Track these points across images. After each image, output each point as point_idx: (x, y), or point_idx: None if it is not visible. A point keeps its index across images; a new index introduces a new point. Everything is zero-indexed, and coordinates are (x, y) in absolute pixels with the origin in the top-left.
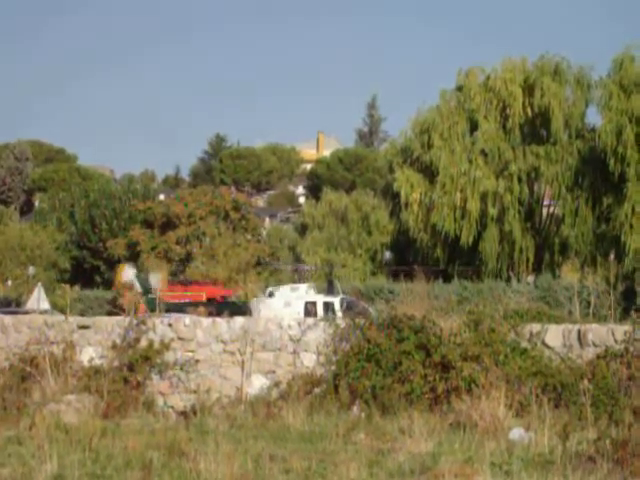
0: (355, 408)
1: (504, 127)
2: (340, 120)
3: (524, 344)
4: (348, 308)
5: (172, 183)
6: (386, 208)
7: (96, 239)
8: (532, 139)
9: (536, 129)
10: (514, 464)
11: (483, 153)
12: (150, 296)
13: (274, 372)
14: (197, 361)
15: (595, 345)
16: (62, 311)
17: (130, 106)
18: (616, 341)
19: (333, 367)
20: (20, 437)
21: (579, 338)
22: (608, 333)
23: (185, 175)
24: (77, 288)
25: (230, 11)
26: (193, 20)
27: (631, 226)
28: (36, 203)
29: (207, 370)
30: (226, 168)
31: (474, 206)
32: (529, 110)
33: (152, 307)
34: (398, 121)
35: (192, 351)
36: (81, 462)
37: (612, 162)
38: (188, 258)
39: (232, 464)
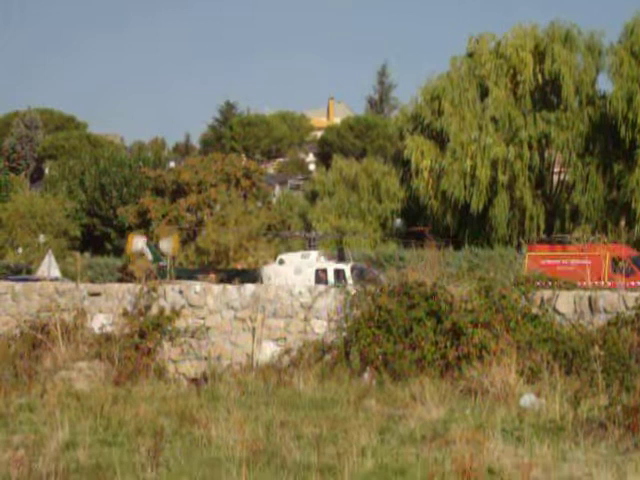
0: (366, 375)
1: (515, 94)
2: (350, 87)
3: (535, 310)
4: (359, 275)
5: (182, 150)
6: (396, 175)
7: (106, 207)
8: (543, 106)
9: (547, 96)
10: (525, 430)
11: (493, 120)
12: (161, 263)
13: (285, 339)
14: (208, 328)
15: (606, 312)
16: (73, 278)
17: (140, 73)
18: (627, 307)
19: (344, 334)
20: (32, 404)
21: (590, 305)
22: (619, 300)
23: (195, 142)
24: (87, 255)
25: None
26: None
27: None
28: (46, 171)
29: (218, 337)
30: (236, 135)
31: (484, 173)
32: (540, 77)
33: (163, 274)
34: (409, 88)
35: (203, 318)
36: (92, 429)
37: (623, 129)
38: (199, 225)
39: (243, 431)
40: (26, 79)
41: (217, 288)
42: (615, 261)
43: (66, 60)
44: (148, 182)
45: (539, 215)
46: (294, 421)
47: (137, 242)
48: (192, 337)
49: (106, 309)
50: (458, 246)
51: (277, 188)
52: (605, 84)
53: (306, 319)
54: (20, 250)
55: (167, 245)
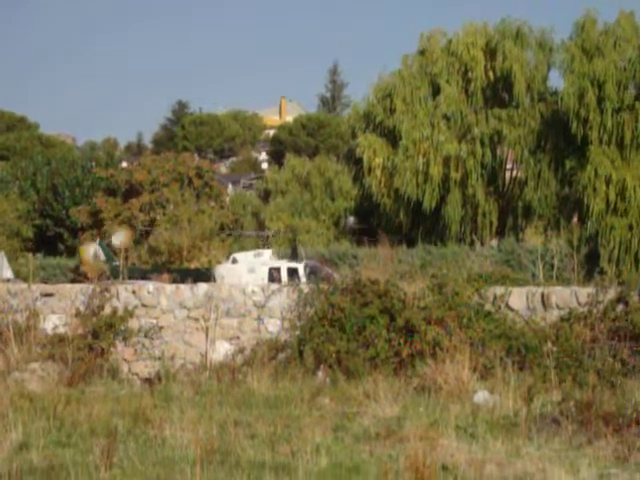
0: (320, 373)
1: (466, 91)
2: (303, 86)
3: (488, 307)
4: (312, 273)
5: (134, 150)
6: (349, 173)
7: (59, 207)
8: (494, 103)
9: (498, 93)
10: (479, 427)
11: (445, 117)
12: (114, 263)
13: (238, 338)
14: (161, 328)
15: (559, 307)
16: (25, 279)
17: (91, 73)
18: (579, 303)
19: (297, 332)
20: None
21: (543, 301)
22: (571, 295)
23: (147, 142)
24: (40, 256)
25: None
26: None
27: (594, 189)
28: None
29: (171, 337)
30: (188, 135)
31: (437, 170)
32: (491, 74)
33: (116, 274)
34: (361, 86)
35: (156, 318)
36: (46, 430)
37: (574, 125)
38: (152, 225)
39: (197, 430)
40: None
41: (170, 288)
42: None
43: (16, 61)
44: (100, 182)
45: (492, 212)
46: (248, 420)
47: (89, 249)
48: (145, 337)
49: (59, 310)
50: (411, 244)
51: (230, 187)
52: (556, 81)
53: (259, 318)
54: None
55: (119, 239)
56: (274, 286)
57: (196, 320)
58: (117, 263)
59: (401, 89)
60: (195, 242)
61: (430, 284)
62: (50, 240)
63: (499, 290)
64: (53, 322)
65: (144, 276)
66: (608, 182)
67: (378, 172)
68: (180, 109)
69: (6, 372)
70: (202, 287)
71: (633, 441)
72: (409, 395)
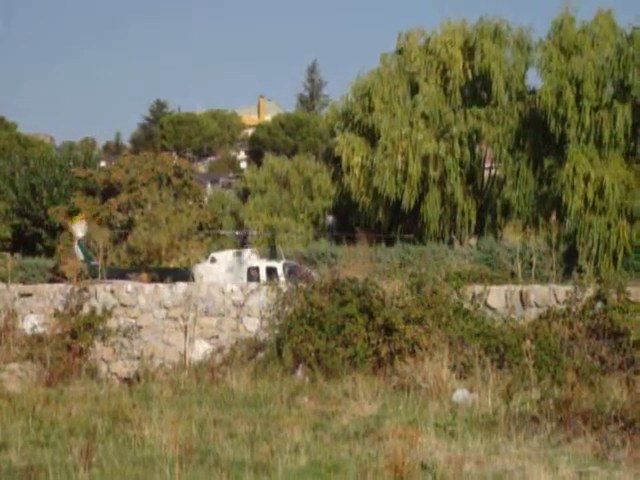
0: (299, 372)
1: (445, 90)
2: (281, 85)
3: (467, 306)
4: (291, 273)
5: (113, 150)
6: (328, 172)
7: (37, 207)
8: (473, 101)
9: (477, 91)
10: (458, 425)
11: (424, 116)
12: (92, 263)
13: (217, 337)
14: (140, 327)
15: (537, 306)
16: (3, 280)
17: (70, 73)
18: (558, 301)
19: (276, 331)
20: None
21: (521, 299)
22: (550, 293)
23: (126, 142)
24: (18, 256)
25: None
26: None
27: (572, 187)
28: None
29: (150, 336)
30: (167, 134)
31: (415, 169)
32: (469, 72)
33: (94, 274)
34: (339, 85)
35: (135, 317)
36: (25, 430)
37: (553, 123)
38: (130, 225)
39: (176, 430)
40: None
41: (149, 287)
42: None
43: None
44: (79, 182)
45: (470, 210)
46: (227, 419)
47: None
48: (124, 337)
49: (37, 310)
50: (390, 242)
51: (209, 186)
52: (535, 79)
53: (238, 317)
54: None
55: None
56: (253, 285)
57: (175, 319)
58: (96, 263)
59: (380, 88)
60: (173, 241)
61: (409, 283)
62: (28, 240)
63: (478, 288)
64: (31, 322)
65: (123, 276)
66: (586, 180)
67: (357, 171)
68: (158, 108)
69: None
70: (181, 286)
71: (612, 438)
72: (388, 394)
